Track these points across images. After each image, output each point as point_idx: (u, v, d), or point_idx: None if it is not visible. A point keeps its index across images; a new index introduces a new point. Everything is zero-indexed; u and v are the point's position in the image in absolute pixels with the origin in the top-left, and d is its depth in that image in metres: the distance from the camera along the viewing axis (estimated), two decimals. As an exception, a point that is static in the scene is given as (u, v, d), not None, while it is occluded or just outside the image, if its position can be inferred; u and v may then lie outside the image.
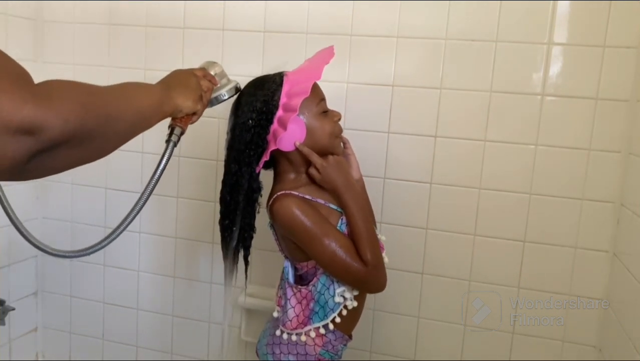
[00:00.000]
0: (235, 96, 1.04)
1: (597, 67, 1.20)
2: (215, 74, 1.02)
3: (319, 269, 1.02)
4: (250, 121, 0.99)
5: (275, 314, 1.10)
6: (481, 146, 1.30)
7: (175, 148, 0.93)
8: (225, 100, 1.03)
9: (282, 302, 1.07)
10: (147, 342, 1.66)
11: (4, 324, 1.47)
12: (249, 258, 1.08)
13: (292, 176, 1.05)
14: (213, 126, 1.44)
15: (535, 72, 1.24)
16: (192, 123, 0.95)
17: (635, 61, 1.18)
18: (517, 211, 1.30)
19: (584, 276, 1.27)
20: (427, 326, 1.40)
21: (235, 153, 1.01)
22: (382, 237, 1.13)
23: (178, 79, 0.90)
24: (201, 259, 1.56)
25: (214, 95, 1.01)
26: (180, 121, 0.92)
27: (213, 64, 1.04)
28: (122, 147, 0.72)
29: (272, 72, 1.07)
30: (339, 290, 1.01)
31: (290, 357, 1.05)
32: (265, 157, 1.01)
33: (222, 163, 1.32)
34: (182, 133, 0.93)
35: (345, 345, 1.09)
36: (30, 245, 1.19)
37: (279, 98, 0.99)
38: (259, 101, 0.99)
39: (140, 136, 0.76)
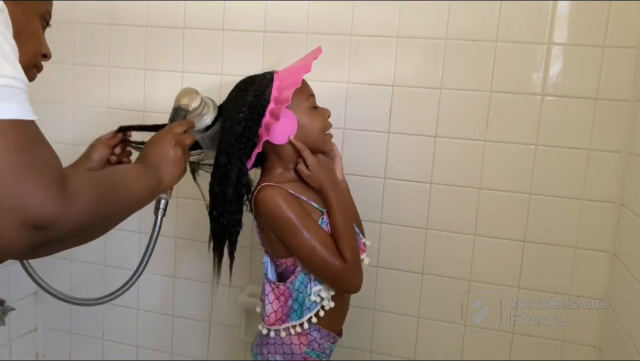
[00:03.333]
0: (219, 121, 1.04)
1: (597, 67, 1.20)
2: (195, 108, 1.00)
3: (297, 266, 1.02)
4: (240, 114, 0.99)
5: (257, 309, 1.11)
6: (481, 146, 1.30)
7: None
8: (211, 126, 1.03)
9: (262, 297, 1.08)
10: (147, 342, 1.66)
11: (4, 324, 1.47)
12: (234, 254, 1.08)
13: (278, 171, 1.06)
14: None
15: (535, 72, 1.24)
16: None
17: (635, 61, 1.18)
18: (517, 211, 1.30)
19: (584, 276, 1.27)
20: (427, 326, 1.40)
21: (225, 146, 1.01)
22: (367, 241, 1.14)
23: (162, 155, 0.86)
24: (201, 259, 1.56)
25: (197, 128, 1.02)
26: (166, 192, 0.95)
27: (190, 95, 1.01)
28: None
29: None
30: (315, 289, 1.02)
31: (278, 357, 1.06)
32: (258, 148, 1.01)
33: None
34: (168, 202, 0.97)
35: (333, 342, 1.09)
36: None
37: (270, 92, 1.00)
38: (250, 95, 1.00)
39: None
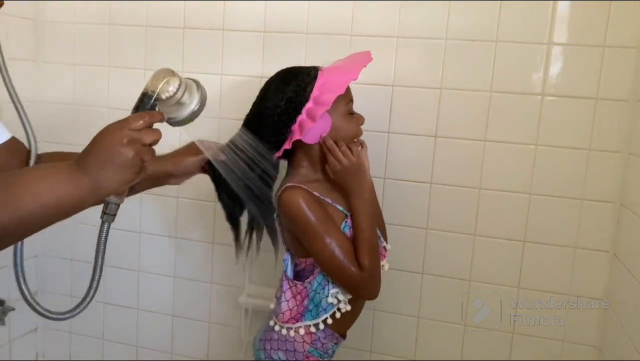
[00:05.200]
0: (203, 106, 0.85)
1: (597, 67, 1.20)
2: (170, 97, 0.78)
3: (317, 267, 1.02)
4: (276, 108, 0.99)
5: (271, 305, 1.11)
6: (481, 146, 1.30)
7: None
8: (198, 112, 0.83)
9: (278, 294, 1.08)
10: (147, 342, 1.66)
11: (4, 324, 1.47)
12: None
13: (304, 170, 1.06)
14: (213, 126, 1.44)
15: (535, 72, 1.24)
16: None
17: (635, 61, 1.18)
18: (517, 211, 1.29)
19: (584, 276, 1.27)
20: (427, 326, 1.40)
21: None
22: (387, 245, 1.13)
23: (107, 154, 0.68)
24: (201, 259, 1.56)
25: (180, 118, 0.82)
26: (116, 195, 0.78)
27: (164, 78, 0.78)
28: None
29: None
30: (333, 291, 1.02)
31: (280, 353, 1.06)
32: (287, 145, 1.01)
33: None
34: (119, 205, 0.79)
35: (336, 343, 1.09)
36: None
37: (311, 90, 0.99)
38: (290, 89, 0.99)
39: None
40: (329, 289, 1.02)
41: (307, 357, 1.05)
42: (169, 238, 1.58)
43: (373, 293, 1.03)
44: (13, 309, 1.47)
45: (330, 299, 1.01)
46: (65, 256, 1.68)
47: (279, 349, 1.06)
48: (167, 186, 1.54)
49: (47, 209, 0.62)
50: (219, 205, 1.50)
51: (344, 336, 1.11)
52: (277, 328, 1.06)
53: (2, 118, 1.47)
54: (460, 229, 1.34)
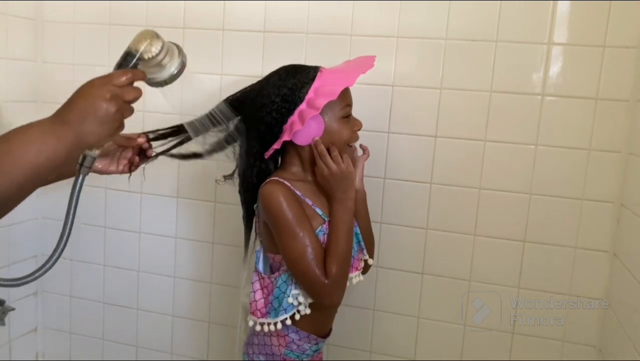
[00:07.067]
0: (184, 70, 0.86)
1: (597, 67, 1.20)
2: (152, 57, 0.80)
3: (283, 265, 1.02)
4: (272, 104, 0.99)
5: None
6: (481, 146, 1.30)
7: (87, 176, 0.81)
8: (177, 76, 0.86)
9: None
10: (147, 342, 1.66)
11: (4, 324, 1.47)
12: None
13: (295, 168, 1.06)
14: (213, 126, 1.44)
15: (535, 72, 1.24)
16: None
17: (635, 61, 1.18)
18: (517, 211, 1.29)
19: (584, 276, 1.27)
20: (427, 326, 1.40)
21: (251, 128, 1.04)
22: (370, 260, 1.14)
23: (90, 108, 0.71)
24: (201, 259, 1.56)
25: (159, 79, 0.85)
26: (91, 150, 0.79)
27: (148, 38, 0.80)
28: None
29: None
30: (294, 292, 1.01)
31: (261, 357, 1.07)
32: (277, 145, 1.01)
33: (223, 164, 1.31)
34: (95, 158, 0.81)
35: (316, 344, 1.08)
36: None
37: (306, 92, 0.98)
38: (287, 87, 0.99)
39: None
40: (291, 290, 1.01)
41: (284, 359, 1.05)
42: (168, 237, 1.58)
43: (334, 302, 1.02)
44: (13, 309, 1.47)
45: (291, 300, 1.00)
46: (65, 255, 1.67)
47: (259, 353, 1.08)
48: (166, 186, 1.55)
49: (39, 170, 0.65)
50: (219, 205, 1.51)
51: (324, 336, 1.10)
52: (248, 320, 1.06)
53: (2, 118, 1.47)
54: (460, 229, 1.34)
